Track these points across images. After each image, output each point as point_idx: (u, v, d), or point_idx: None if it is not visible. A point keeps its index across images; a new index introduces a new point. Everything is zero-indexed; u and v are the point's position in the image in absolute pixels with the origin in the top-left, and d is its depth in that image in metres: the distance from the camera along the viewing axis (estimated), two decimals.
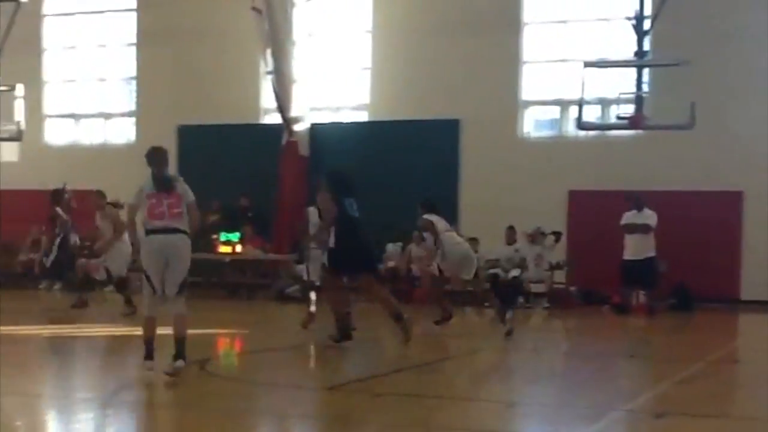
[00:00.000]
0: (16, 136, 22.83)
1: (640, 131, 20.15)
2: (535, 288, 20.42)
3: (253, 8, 21.86)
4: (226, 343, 15.33)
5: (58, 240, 18.56)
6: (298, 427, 9.21)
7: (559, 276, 20.79)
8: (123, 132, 25.54)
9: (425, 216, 15.82)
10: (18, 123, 22.50)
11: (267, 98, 23.45)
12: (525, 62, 22.24)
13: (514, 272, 20.40)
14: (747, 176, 20.52)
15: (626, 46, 19.97)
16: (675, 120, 18.85)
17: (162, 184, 10.55)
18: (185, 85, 23.97)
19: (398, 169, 21.92)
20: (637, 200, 19.22)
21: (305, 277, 15.63)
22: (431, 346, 14.91)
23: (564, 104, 21.94)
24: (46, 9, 25.70)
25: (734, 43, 20.45)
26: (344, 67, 23.61)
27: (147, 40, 24.66)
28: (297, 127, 22.58)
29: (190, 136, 23.95)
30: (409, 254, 21.12)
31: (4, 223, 22.64)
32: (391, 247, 21.40)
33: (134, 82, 25.30)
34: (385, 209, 20.68)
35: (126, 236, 17.02)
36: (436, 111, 22.07)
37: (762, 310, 19.87)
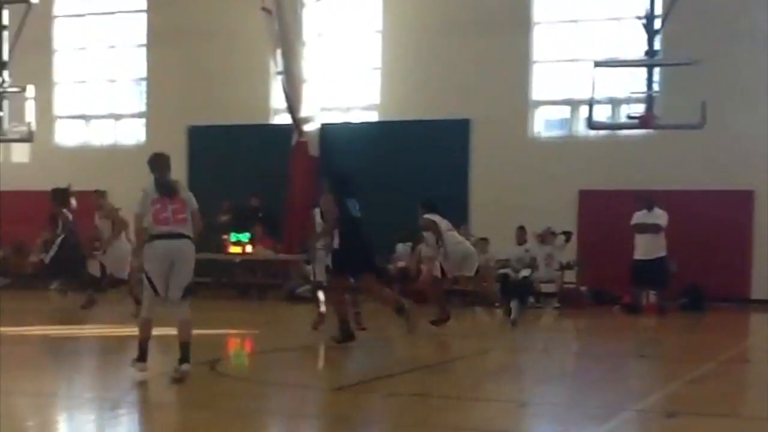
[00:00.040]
0: (27, 137, 22.87)
1: (650, 131, 20.10)
2: (546, 288, 20.39)
3: (263, 8, 21.87)
4: (237, 343, 15.34)
5: (59, 240, 18.58)
6: (309, 427, 9.20)
7: (570, 276, 20.76)
8: (133, 133, 25.57)
9: (426, 216, 15.86)
10: (29, 124, 22.54)
11: (277, 98, 23.45)
12: (535, 62, 22.22)
13: (525, 272, 20.37)
14: (758, 175, 20.47)
15: (637, 45, 19.93)
16: (686, 119, 18.82)
17: (166, 189, 10.58)
18: (195, 85, 23.99)
19: (408, 169, 21.90)
20: (647, 200, 19.18)
21: (312, 278, 15.63)
22: (441, 346, 14.91)
23: (574, 104, 21.90)
24: (56, 10, 25.74)
25: (745, 42, 20.39)
26: (354, 67, 23.61)
27: (157, 41, 24.69)
28: (307, 128, 22.58)
29: (200, 136, 23.98)
30: (419, 254, 21.06)
31: (15, 224, 22.68)
32: (401, 247, 21.38)
33: (144, 83, 25.33)
34: (395, 209, 20.64)
35: (123, 236, 17.38)
36: (447, 111, 22.05)
37: None
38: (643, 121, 19.36)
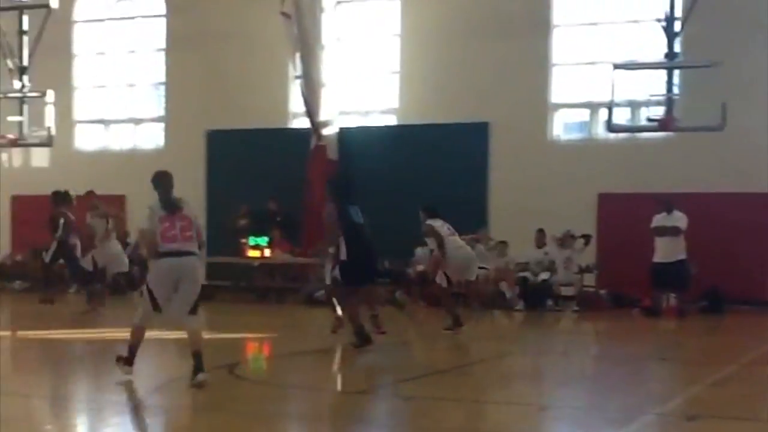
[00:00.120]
0: (47, 142, 22.94)
1: (670, 133, 20.00)
2: (565, 291, 20.32)
3: (282, 13, 21.88)
4: (255, 346, 15.35)
5: (54, 243, 18.70)
6: (328, 430, 9.20)
7: (589, 279, 20.68)
8: (152, 137, 25.61)
9: (428, 221, 15.86)
10: (48, 128, 22.59)
11: (295, 102, 23.45)
12: (554, 65, 22.14)
13: (544, 275, 20.32)
14: None
15: (656, 48, 19.84)
16: (705, 122, 18.72)
17: (172, 207, 10.62)
18: (214, 90, 24.02)
19: (427, 173, 21.85)
20: (666, 203, 19.12)
21: (327, 282, 15.65)
22: (460, 349, 14.89)
23: (594, 107, 21.82)
24: (76, 15, 25.81)
25: (765, 44, 20.27)
26: (373, 71, 23.59)
27: (176, 46, 24.73)
28: (325, 132, 22.57)
29: (218, 140, 24.01)
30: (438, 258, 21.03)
31: (35, 229, 22.70)
32: (420, 251, 21.28)
33: (163, 88, 25.37)
34: (414, 213, 20.61)
35: (113, 236, 17.79)
36: (466, 114, 21.99)
37: None
38: (663, 124, 19.28)
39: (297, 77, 22.57)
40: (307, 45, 22.20)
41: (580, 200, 21.14)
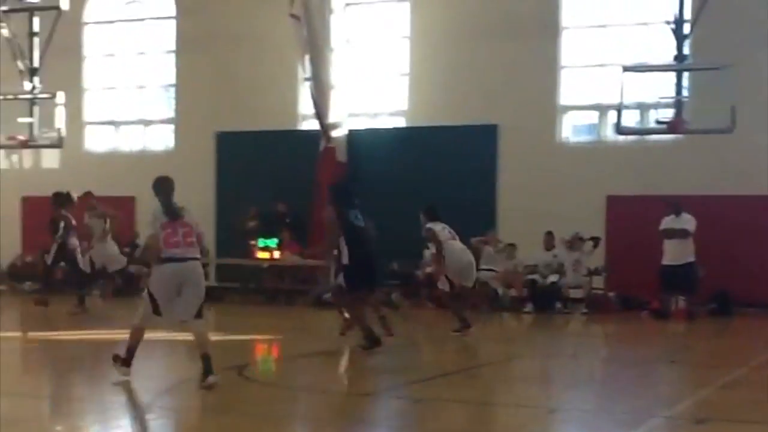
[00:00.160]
0: (57, 143, 22.99)
1: (679, 136, 19.97)
2: (574, 294, 20.33)
3: (292, 15, 21.90)
4: (264, 348, 15.38)
5: (55, 245, 18.75)
6: None
7: (598, 282, 20.69)
8: (162, 139, 25.65)
9: (428, 225, 15.87)
10: (58, 130, 22.64)
11: (305, 104, 23.47)
12: (563, 67, 22.13)
13: (553, 278, 20.34)
14: None
15: (665, 50, 19.82)
16: (715, 124, 18.68)
17: (174, 214, 10.69)
18: (224, 91, 24.05)
19: (436, 175, 21.86)
20: (675, 205, 19.11)
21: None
22: (469, 352, 14.90)
23: (603, 109, 21.80)
24: (86, 17, 25.85)
25: None
26: (382, 73, 23.60)
27: (186, 48, 24.77)
28: (335, 133, 22.59)
29: (228, 142, 24.03)
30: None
31: (45, 230, 22.78)
32: (428, 254, 21.34)
33: (173, 89, 25.40)
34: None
35: (110, 236, 17.84)
36: (474, 116, 22.00)
37: None
38: (672, 127, 19.26)
39: (306, 79, 22.58)
40: (316, 47, 22.22)
41: (588, 203, 21.13)
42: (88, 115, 25.98)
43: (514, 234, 21.07)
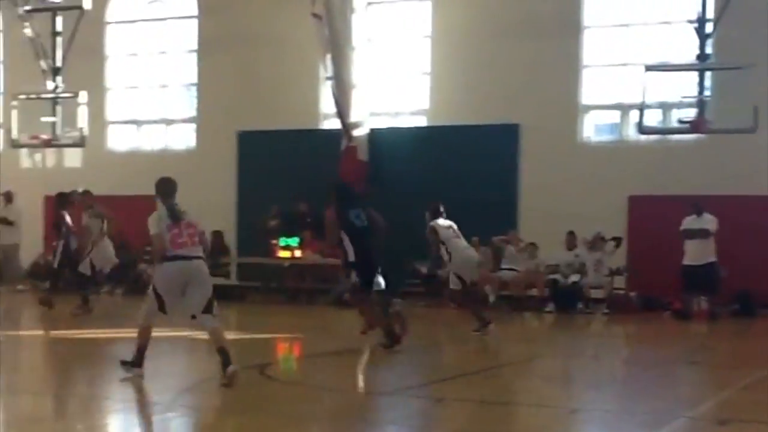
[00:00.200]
0: (80, 142, 23.14)
1: (701, 135, 19.92)
2: (595, 294, 20.28)
3: (313, 14, 21.93)
4: (286, 347, 15.40)
5: (60, 246, 18.80)
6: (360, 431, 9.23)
7: (620, 282, 20.64)
8: (184, 138, 25.73)
9: (431, 223, 15.93)
10: (81, 129, 22.79)
11: (326, 103, 23.51)
12: (585, 66, 22.08)
13: (574, 278, 20.30)
14: None
15: (688, 49, 19.78)
16: (737, 124, 18.65)
17: (177, 215, 10.77)
18: (245, 91, 24.11)
19: (457, 175, 21.84)
20: (696, 205, 19.04)
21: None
22: (490, 352, 14.89)
23: (625, 108, 21.75)
24: (109, 16, 25.95)
25: None
26: (403, 72, 23.61)
27: (208, 47, 24.84)
28: (356, 133, 22.60)
29: (249, 141, 24.09)
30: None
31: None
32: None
33: (195, 89, 25.47)
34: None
35: (106, 236, 17.83)
36: (496, 116, 21.97)
37: None
38: (694, 126, 19.22)
39: (328, 78, 22.61)
40: (337, 46, 22.24)
41: (610, 202, 21.08)
42: (110, 114, 26.08)
43: (536, 234, 21.05)
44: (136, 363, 10.79)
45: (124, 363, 10.83)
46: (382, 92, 23.56)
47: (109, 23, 26.02)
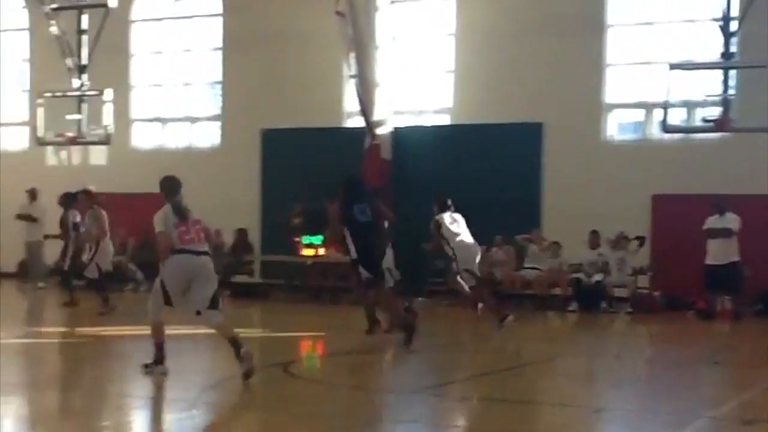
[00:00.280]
0: (105, 140, 23.23)
1: (726, 134, 19.83)
2: (618, 293, 20.24)
3: (337, 12, 21.96)
4: (309, 345, 15.44)
5: (71, 246, 18.88)
6: (385, 431, 9.26)
7: (643, 281, 20.59)
8: (208, 136, 25.81)
9: (436, 216, 16.08)
10: (106, 127, 22.87)
11: (350, 102, 23.54)
12: (609, 65, 22.03)
13: (597, 277, 20.26)
14: None
15: (712, 47, 19.71)
16: (762, 122, 18.56)
17: (184, 213, 10.91)
18: (269, 89, 24.16)
19: (480, 173, 21.84)
20: (718, 204, 18.98)
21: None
22: (512, 351, 14.88)
23: (648, 107, 21.68)
24: (134, 15, 26.06)
25: None
26: (427, 71, 23.62)
27: (232, 45, 24.91)
28: (380, 131, 22.62)
29: (273, 139, 24.14)
30: (491, 258, 21.09)
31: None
32: None
33: (219, 87, 25.55)
34: (467, 213, 20.64)
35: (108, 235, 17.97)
36: (519, 114, 21.95)
37: None
38: (719, 125, 19.14)
39: (352, 76, 22.63)
40: (361, 44, 22.27)
41: (634, 201, 21.03)
42: (135, 112, 26.20)
43: (559, 232, 21.02)
44: (157, 360, 10.87)
45: (146, 366, 10.91)
46: (405, 90, 23.58)
47: (134, 21, 26.13)
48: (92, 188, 18.88)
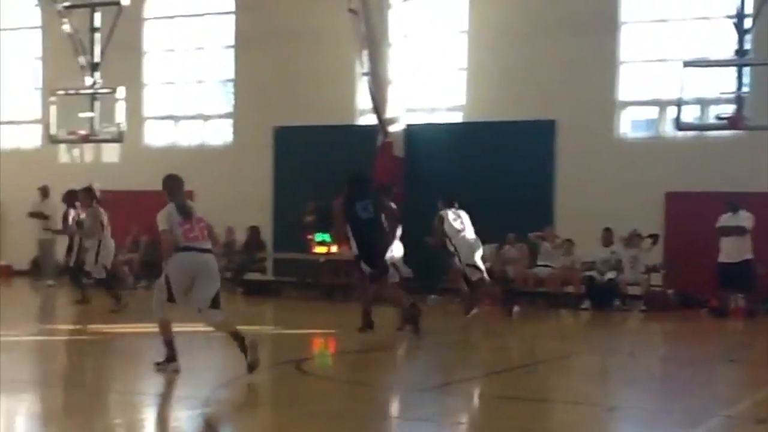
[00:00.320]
0: (117, 138, 23.25)
1: (740, 132, 19.77)
2: (632, 291, 20.19)
3: (350, 10, 21.93)
4: (322, 343, 15.44)
5: (77, 244, 18.91)
6: (396, 428, 9.24)
7: (656, 279, 20.53)
8: (220, 133, 25.82)
9: (440, 212, 16.18)
10: (119, 125, 22.91)
11: (363, 99, 23.51)
12: (622, 62, 21.95)
13: (610, 274, 20.20)
14: None
15: (726, 44, 19.64)
16: None
17: (187, 211, 11.00)
18: (282, 86, 24.15)
19: (493, 171, 21.80)
20: (732, 202, 18.91)
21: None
22: (526, 348, 14.86)
23: (662, 104, 21.61)
24: (146, 12, 26.06)
25: None
26: (440, 68, 23.58)
27: (245, 43, 24.91)
28: (392, 128, 22.60)
29: (286, 137, 24.14)
30: (504, 255, 21.08)
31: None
32: (486, 249, 21.29)
33: (232, 84, 25.55)
34: (480, 210, 20.61)
35: (108, 233, 18.06)
36: (532, 112, 21.90)
37: None
38: (733, 122, 19.08)
39: (364, 74, 22.60)
40: (374, 42, 22.24)
41: (647, 199, 20.96)
42: (147, 110, 26.22)
43: (572, 230, 20.97)
44: (169, 358, 10.89)
45: (158, 364, 10.93)
46: (418, 88, 23.54)
47: (147, 19, 26.15)
48: (97, 185, 18.89)
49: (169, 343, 10.93)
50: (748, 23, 19.12)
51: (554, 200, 21.86)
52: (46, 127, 24.25)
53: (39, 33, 27.30)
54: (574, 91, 21.64)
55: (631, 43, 21.92)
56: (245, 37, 24.82)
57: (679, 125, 19.60)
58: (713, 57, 20.20)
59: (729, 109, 19.26)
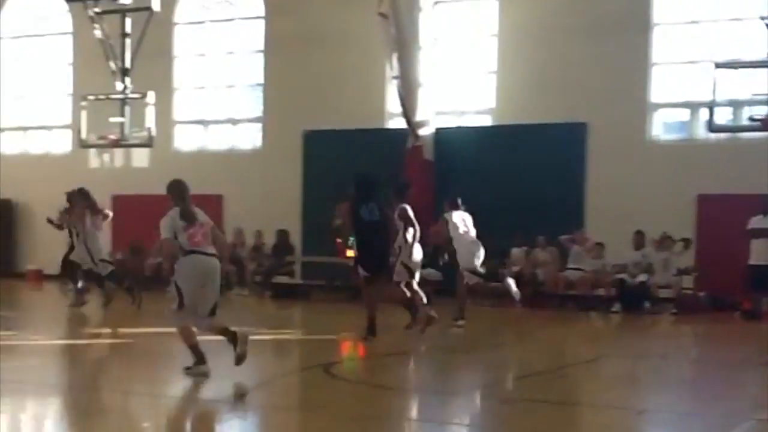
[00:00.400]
0: (147, 142, 23.31)
1: None
2: (663, 293, 20.04)
3: (380, 13, 21.92)
4: (351, 346, 15.38)
5: (82, 246, 19.00)
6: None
7: (688, 282, 20.37)
8: (250, 137, 25.86)
9: (445, 215, 16.13)
10: (149, 129, 22.97)
11: (392, 103, 23.48)
12: (654, 64, 21.83)
13: (641, 277, 20.07)
14: None
15: (759, 46, 19.48)
16: None
17: (191, 217, 11.00)
18: (311, 90, 24.16)
19: (524, 174, 21.72)
20: (764, 204, 18.75)
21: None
22: (555, 352, 14.76)
23: (694, 106, 21.48)
24: (177, 18, 26.16)
25: None
26: (470, 71, 23.53)
27: (274, 47, 24.94)
28: (422, 132, 22.57)
29: (315, 140, 24.14)
30: (535, 258, 20.99)
31: (135, 227, 23.11)
32: (516, 252, 21.26)
33: (261, 88, 25.59)
34: (511, 214, 20.58)
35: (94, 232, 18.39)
36: (563, 114, 21.80)
37: None
38: (765, 124, 18.90)
39: (394, 77, 22.57)
40: (404, 45, 22.22)
41: (679, 201, 20.82)
42: (177, 114, 26.30)
43: (603, 233, 20.86)
44: (198, 361, 10.86)
45: (188, 369, 10.90)
46: (448, 91, 23.51)
47: (177, 24, 26.24)
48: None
49: (194, 348, 10.91)
50: None
51: (585, 203, 21.76)
52: (77, 132, 24.36)
53: (70, 39, 27.47)
54: (605, 93, 21.53)
55: (663, 45, 21.80)
56: (275, 41, 24.85)
57: (712, 127, 19.45)
58: (746, 58, 20.02)
59: (762, 111, 19.08)
